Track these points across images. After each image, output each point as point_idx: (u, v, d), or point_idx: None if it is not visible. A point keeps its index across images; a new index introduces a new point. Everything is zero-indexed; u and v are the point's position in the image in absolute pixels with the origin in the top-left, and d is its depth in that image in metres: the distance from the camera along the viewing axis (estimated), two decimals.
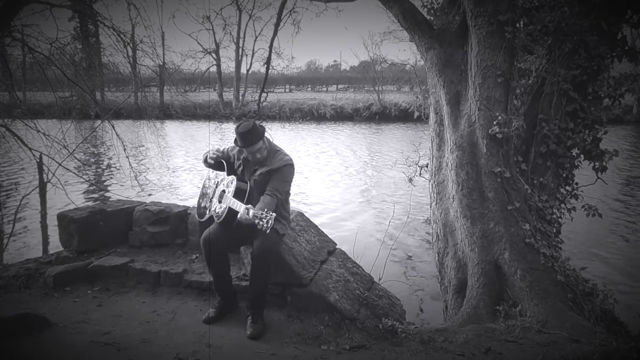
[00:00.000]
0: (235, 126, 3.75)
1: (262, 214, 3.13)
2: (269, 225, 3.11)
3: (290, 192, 3.82)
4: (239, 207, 3.32)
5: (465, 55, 4.87)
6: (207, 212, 3.70)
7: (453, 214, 4.83)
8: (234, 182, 3.58)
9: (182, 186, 13.33)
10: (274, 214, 3.16)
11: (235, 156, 3.79)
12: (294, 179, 3.74)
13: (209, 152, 3.82)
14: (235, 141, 3.64)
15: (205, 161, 3.84)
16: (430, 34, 5.04)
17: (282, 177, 3.59)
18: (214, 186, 3.76)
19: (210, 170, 3.90)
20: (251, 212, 3.17)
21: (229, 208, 3.44)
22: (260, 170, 3.62)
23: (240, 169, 3.74)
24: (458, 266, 4.72)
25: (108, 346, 3.13)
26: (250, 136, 3.55)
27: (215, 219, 3.57)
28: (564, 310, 3.92)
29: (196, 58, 45.13)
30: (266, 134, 3.73)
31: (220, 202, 3.59)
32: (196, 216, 3.88)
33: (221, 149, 3.90)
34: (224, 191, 3.63)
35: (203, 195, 3.81)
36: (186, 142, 21.99)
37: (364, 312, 3.77)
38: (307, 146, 21.25)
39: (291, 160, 3.65)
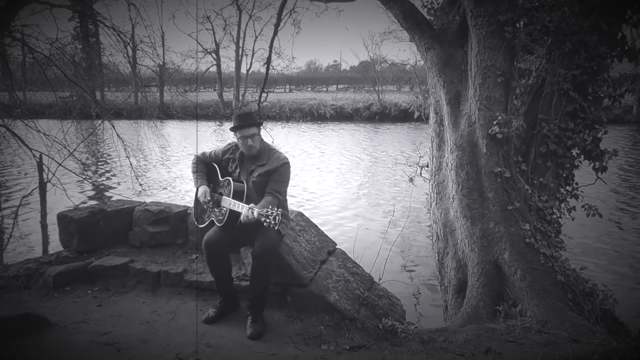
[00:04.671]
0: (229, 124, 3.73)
1: (267, 211, 3.09)
2: (276, 221, 3.06)
3: (288, 190, 3.81)
4: (241, 207, 3.29)
5: (465, 55, 4.87)
6: (207, 218, 3.69)
7: (453, 214, 4.83)
8: (231, 184, 3.55)
9: (182, 186, 13.32)
10: (279, 210, 3.13)
11: (230, 158, 3.76)
12: (291, 178, 3.73)
13: (200, 197, 3.67)
14: (233, 129, 3.61)
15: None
16: (430, 34, 5.04)
17: (281, 177, 3.58)
18: (210, 192, 3.71)
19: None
20: (255, 211, 3.14)
21: (230, 210, 3.43)
22: (258, 172, 3.60)
23: (238, 170, 3.72)
24: (458, 266, 4.72)
25: (108, 346, 3.13)
26: (248, 118, 3.57)
27: (217, 223, 3.55)
28: (564, 310, 3.92)
29: (196, 58, 45.12)
30: (264, 133, 3.72)
31: (219, 206, 3.57)
32: (195, 222, 3.86)
33: (207, 152, 3.89)
34: (221, 194, 3.62)
35: (198, 202, 3.75)
36: (186, 142, 21.98)
37: (364, 312, 3.77)
38: (307, 146, 21.25)
39: (287, 158, 3.65)
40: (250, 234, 3.47)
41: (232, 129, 3.62)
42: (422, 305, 6.64)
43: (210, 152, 3.88)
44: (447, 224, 4.94)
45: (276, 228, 3.13)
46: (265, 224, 3.09)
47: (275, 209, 3.11)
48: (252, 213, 3.16)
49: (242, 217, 3.25)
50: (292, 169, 3.70)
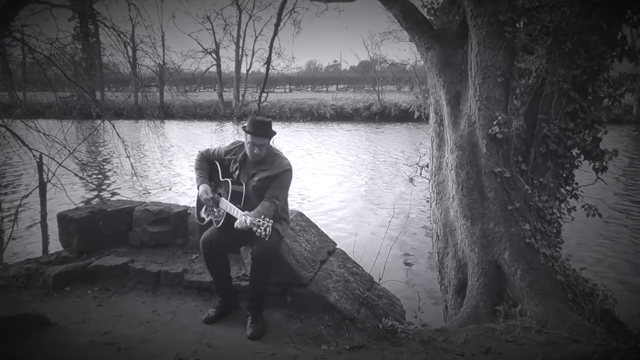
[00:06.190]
0: (242, 123, 3.73)
1: (259, 221, 3.13)
2: (267, 232, 3.11)
3: (289, 192, 3.82)
4: (237, 213, 3.31)
5: (465, 55, 4.87)
6: (206, 217, 3.71)
7: (453, 214, 4.83)
8: (230, 186, 3.57)
9: (182, 186, 13.32)
10: (271, 221, 3.16)
11: (233, 159, 3.77)
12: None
13: (202, 195, 3.68)
14: (244, 128, 3.59)
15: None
16: (430, 34, 5.04)
17: (282, 184, 3.59)
18: (211, 191, 3.73)
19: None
20: (248, 220, 3.16)
21: (227, 214, 3.44)
22: (259, 176, 3.60)
23: (237, 172, 3.72)
24: (458, 266, 4.72)
25: (108, 346, 3.14)
26: (264, 128, 3.56)
27: (214, 224, 3.58)
28: (564, 310, 3.92)
29: (196, 58, 45.12)
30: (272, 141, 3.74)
31: (217, 206, 3.58)
32: (196, 219, 3.88)
33: (211, 150, 3.89)
34: (220, 194, 3.64)
35: (200, 202, 3.77)
36: (187, 142, 21.97)
37: (364, 312, 3.77)
38: (307, 146, 21.25)
39: (289, 165, 3.65)
40: (248, 234, 3.47)
41: (244, 130, 3.61)
42: (422, 305, 6.64)
43: (214, 150, 3.89)
44: (447, 224, 4.94)
45: (266, 239, 3.15)
46: (257, 233, 3.12)
47: (267, 220, 3.14)
48: (246, 221, 3.18)
49: (236, 223, 3.27)
50: (292, 170, 3.70)
